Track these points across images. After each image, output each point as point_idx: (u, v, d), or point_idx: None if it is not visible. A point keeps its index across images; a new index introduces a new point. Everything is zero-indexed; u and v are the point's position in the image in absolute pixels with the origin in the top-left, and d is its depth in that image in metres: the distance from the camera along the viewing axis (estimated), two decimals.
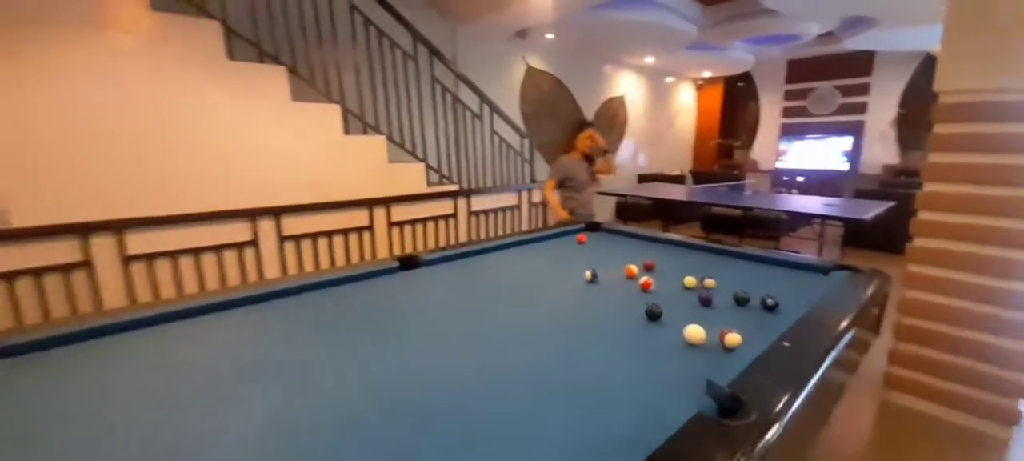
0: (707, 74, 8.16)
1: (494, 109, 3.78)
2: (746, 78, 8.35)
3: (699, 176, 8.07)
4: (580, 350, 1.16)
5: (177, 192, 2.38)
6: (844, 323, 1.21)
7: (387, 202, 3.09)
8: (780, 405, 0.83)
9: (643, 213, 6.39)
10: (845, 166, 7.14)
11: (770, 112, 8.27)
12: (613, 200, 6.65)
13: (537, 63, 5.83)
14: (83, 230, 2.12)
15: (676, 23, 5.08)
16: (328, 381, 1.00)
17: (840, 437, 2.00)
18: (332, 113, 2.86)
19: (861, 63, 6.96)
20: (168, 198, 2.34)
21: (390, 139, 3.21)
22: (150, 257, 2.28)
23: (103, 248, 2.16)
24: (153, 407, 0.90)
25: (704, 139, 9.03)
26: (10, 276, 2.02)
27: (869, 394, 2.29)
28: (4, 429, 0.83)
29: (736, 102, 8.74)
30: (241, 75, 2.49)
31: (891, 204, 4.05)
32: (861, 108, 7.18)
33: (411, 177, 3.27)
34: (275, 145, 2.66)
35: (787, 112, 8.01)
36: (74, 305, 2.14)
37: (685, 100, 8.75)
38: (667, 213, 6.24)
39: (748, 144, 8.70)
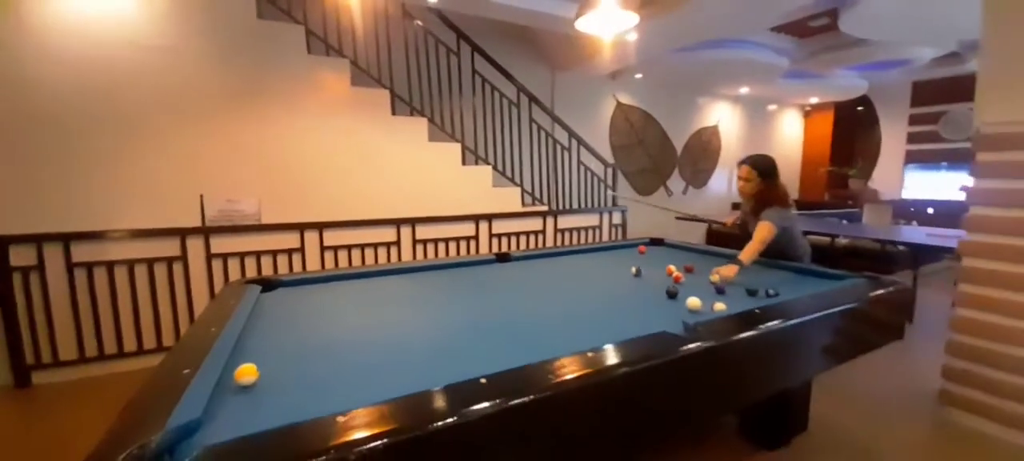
0: (814, 100, 7.87)
1: (581, 143, 4.45)
2: (865, 101, 7.84)
3: (806, 205, 7.71)
4: (612, 307, 1.75)
5: (354, 204, 3.46)
6: (813, 306, 1.62)
7: (490, 218, 3.91)
8: (721, 336, 1.34)
9: (736, 241, 6.40)
10: None
11: (893, 138, 7.64)
12: (703, 226, 6.79)
13: (627, 99, 6.38)
14: (300, 227, 3.26)
15: (766, 57, 5.27)
16: (457, 309, 1.76)
17: (894, 452, 2.08)
18: (454, 149, 3.79)
19: None
20: (348, 208, 3.42)
21: (494, 168, 4.05)
22: (336, 248, 3.37)
23: (310, 240, 3.29)
24: (363, 310, 1.74)
25: (814, 166, 8.56)
26: (259, 254, 3.20)
27: (924, 410, 2.39)
28: (289, 316, 1.72)
29: (854, 127, 8.19)
30: (398, 125, 3.55)
31: None
32: None
33: (509, 198, 4.06)
34: (415, 174, 3.66)
35: (913, 138, 7.35)
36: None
37: (790, 127, 8.47)
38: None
39: (867, 172, 8.07)
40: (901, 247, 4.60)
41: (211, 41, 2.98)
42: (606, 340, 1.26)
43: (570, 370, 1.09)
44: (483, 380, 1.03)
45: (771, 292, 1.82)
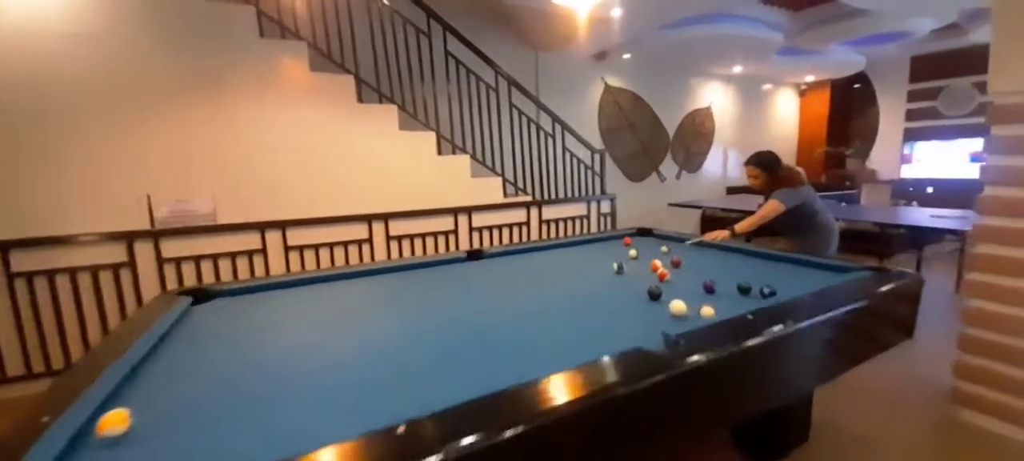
0: (810, 78, 7.62)
1: (566, 128, 4.20)
2: (862, 79, 7.60)
3: None
4: (587, 314, 1.54)
5: (320, 201, 3.22)
6: (815, 307, 1.40)
7: (469, 210, 3.68)
8: (706, 352, 1.12)
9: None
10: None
11: (891, 115, 7.41)
12: (697, 213, 6.59)
13: (616, 81, 6.11)
14: (261, 227, 3.02)
15: (759, 32, 5.01)
16: (427, 308, 1.58)
17: (902, 454, 1.94)
18: (428, 138, 3.55)
19: None
20: (314, 205, 3.18)
21: (473, 157, 3.81)
22: (301, 248, 3.14)
23: (273, 240, 3.05)
24: (302, 327, 1.51)
25: (810, 147, 8.34)
26: (216, 257, 2.97)
27: (934, 412, 2.21)
28: (236, 329, 1.49)
29: (850, 106, 7.96)
30: (366, 113, 3.30)
31: None
32: None
33: (490, 189, 3.83)
34: (386, 165, 3.42)
35: (912, 115, 7.12)
36: (253, 277, 3.04)
37: (785, 107, 8.22)
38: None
39: (864, 152, 7.86)
40: (902, 230, 4.42)
41: (152, 26, 2.71)
42: (572, 361, 1.05)
43: (519, 409, 0.88)
44: (401, 429, 0.82)
45: (767, 291, 1.61)
